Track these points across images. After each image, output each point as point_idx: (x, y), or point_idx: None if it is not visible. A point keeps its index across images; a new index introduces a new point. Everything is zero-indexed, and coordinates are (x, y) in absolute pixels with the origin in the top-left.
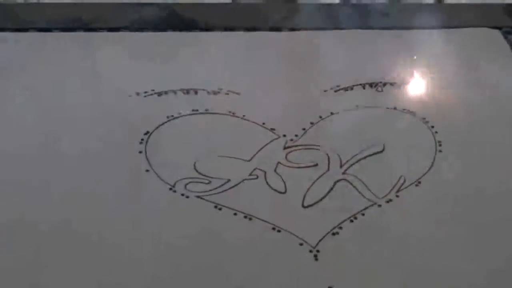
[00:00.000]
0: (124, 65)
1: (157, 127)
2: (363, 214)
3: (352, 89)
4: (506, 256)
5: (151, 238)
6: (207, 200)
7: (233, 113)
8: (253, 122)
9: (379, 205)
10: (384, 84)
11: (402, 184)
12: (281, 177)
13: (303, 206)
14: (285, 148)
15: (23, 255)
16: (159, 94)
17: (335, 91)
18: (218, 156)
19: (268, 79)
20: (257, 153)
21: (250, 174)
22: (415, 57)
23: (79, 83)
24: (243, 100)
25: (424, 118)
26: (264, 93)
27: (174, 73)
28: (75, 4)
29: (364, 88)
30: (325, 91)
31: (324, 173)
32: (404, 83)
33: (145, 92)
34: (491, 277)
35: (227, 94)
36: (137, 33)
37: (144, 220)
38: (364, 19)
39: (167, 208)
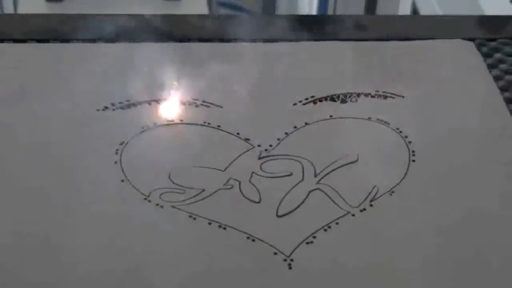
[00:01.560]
0: (99, 76)
1: (132, 138)
2: (337, 223)
3: (326, 100)
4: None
5: (127, 248)
6: (181, 210)
7: (208, 124)
8: (228, 132)
9: (353, 215)
10: (359, 95)
11: (376, 193)
12: (255, 186)
13: (278, 216)
14: (259, 158)
15: None
16: (134, 105)
17: (310, 102)
18: (193, 166)
19: (243, 90)
20: (231, 163)
21: (225, 184)
22: (390, 69)
23: (53, 94)
24: (218, 110)
25: (398, 128)
26: (239, 103)
27: (149, 84)
28: (50, 15)
29: (338, 99)
30: (300, 101)
31: (298, 183)
32: (378, 94)
33: (120, 103)
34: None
35: (202, 104)
36: (112, 44)
37: (120, 230)
38: (340, 30)
39: (142, 217)
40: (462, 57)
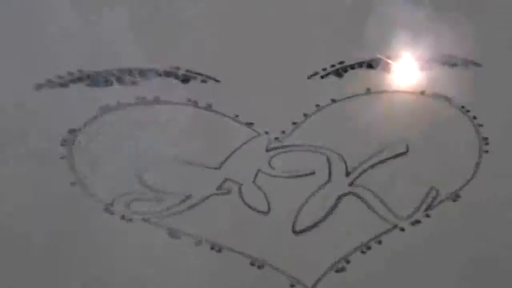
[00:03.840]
0: (36, 40)
1: (86, 123)
2: (379, 242)
3: (361, 66)
4: None
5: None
6: (158, 225)
7: (194, 102)
8: (223, 114)
9: (402, 229)
10: (407, 60)
11: (434, 198)
12: (262, 191)
13: (294, 232)
14: (268, 150)
15: None
16: (88, 76)
17: (338, 71)
18: (173, 163)
19: (244, 54)
20: (228, 157)
21: (219, 188)
22: (455, 22)
23: None
24: (210, 85)
25: (464, 107)
26: (239, 76)
27: (109, 46)
28: None
29: (378, 66)
30: (324, 70)
31: (324, 185)
32: (437, 58)
33: (69, 74)
34: None
35: (186, 75)
36: None
37: (74, 250)
38: None
39: (102, 236)
40: None
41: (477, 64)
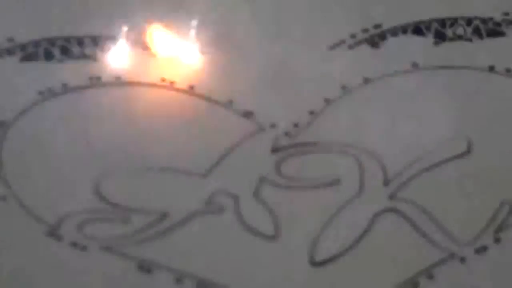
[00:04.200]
0: None
1: (19, 114)
2: (430, 277)
3: (405, 32)
4: None
5: None
6: (124, 254)
7: (170, 83)
8: (210, 99)
9: (462, 259)
10: (470, 22)
11: (507, 217)
12: (268, 207)
13: (313, 263)
14: (274, 150)
15: None
16: (22, 47)
17: (373, 38)
18: (143, 169)
19: (238, 15)
20: (219, 161)
21: (208, 203)
22: None
23: None
24: (192, 57)
25: None
26: (232, 46)
27: (50, 4)
28: None
29: (429, 31)
30: (352, 36)
31: (353, 198)
32: (507, 19)
33: None
34: None
35: (158, 44)
36: None
37: None
38: None
39: (45, 270)
40: None
41: None
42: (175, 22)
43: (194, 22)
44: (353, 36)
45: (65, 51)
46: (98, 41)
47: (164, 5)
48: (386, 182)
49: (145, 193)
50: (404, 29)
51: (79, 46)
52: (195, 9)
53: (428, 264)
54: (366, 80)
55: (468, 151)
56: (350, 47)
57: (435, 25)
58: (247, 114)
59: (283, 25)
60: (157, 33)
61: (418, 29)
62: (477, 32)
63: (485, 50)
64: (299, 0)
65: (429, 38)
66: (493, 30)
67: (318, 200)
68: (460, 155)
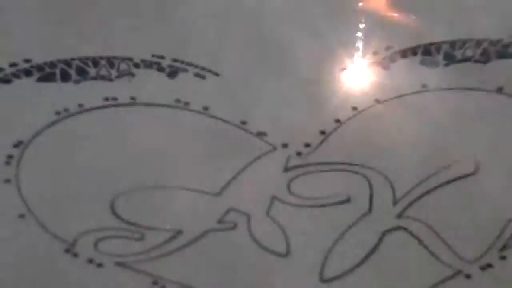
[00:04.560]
0: None
1: (37, 134)
2: None
3: (415, 53)
4: None
5: None
6: (138, 270)
7: (184, 104)
8: (224, 120)
9: (467, 276)
10: (479, 44)
11: None
12: (279, 225)
13: (323, 280)
14: (286, 169)
15: None
16: (39, 68)
17: (382, 60)
18: (157, 188)
19: (249, 41)
20: (231, 180)
21: (221, 221)
22: None
23: None
24: (204, 79)
25: None
26: (245, 68)
27: (66, 28)
28: None
29: (438, 53)
30: (363, 57)
31: (363, 217)
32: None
33: (12, 66)
34: None
35: (173, 67)
36: None
37: None
38: None
39: (63, 287)
40: None
41: None
42: (187, 44)
43: (209, 45)
44: (376, 53)
45: (81, 72)
46: (113, 63)
47: (173, 34)
48: (394, 202)
49: (159, 211)
50: (414, 51)
51: (94, 67)
52: (205, 35)
53: (436, 280)
54: (377, 101)
55: (476, 171)
56: (361, 69)
57: (444, 46)
58: (260, 134)
59: (299, 46)
60: (172, 55)
61: (426, 50)
62: (485, 54)
63: (493, 72)
64: (310, 25)
65: (439, 60)
66: (502, 52)
67: (329, 219)
68: (467, 175)
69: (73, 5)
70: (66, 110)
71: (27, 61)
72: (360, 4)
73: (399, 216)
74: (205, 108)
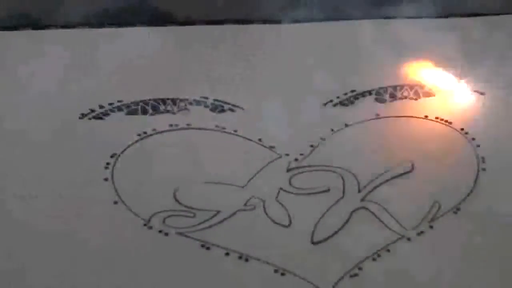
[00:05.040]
0: (82, 71)
1: (126, 148)
2: (388, 250)
3: (371, 94)
4: None
5: (127, 285)
6: (191, 238)
7: (222, 128)
8: (247, 138)
9: (409, 239)
10: (412, 88)
11: (437, 211)
12: (284, 206)
13: (313, 242)
14: (288, 170)
15: None
16: (127, 106)
17: (350, 98)
18: (204, 183)
19: (264, 86)
20: (253, 177)
21: (245, 204)
22: (454, 52)
23: (25, 96)
24: (235, 112)
25: (463, 129)
26: (259, 102)
27: (145, 78)
28: None
29: (386, 93)
30: (337, 98)
31: (338, 200)
32: (434, 86)
33: (110, 105)
34: None
35: (214, 104)
36: (96, 29)
37: (116, 265)
38: (377, 7)
39: (142, 248)
40: None
41: (480, 93)
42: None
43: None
44: (337, 97)
45: (154, 108)
46: (175, 102)
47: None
48: (359, 191)
49: (204, 198)
50: (369, 92)
51: (163, 105)
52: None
53: (387, 242)
54: (346, 125)
55: (412, 170)
56: (335, 104)
57: (390, 89)
58: (271, 147)
59: (297, 91)
60: (213, 96)
61: (378, 92)
62: (417, 94)
63: (422, 105)
64: (307, 76)
65: (386, 98)
66: (426, 92)
67: (316, 202)
68: (406, 172)
69: None
70: (145, 133)
71: (119, 101)
72: None
73: (362, 200)
74: (235, 131)
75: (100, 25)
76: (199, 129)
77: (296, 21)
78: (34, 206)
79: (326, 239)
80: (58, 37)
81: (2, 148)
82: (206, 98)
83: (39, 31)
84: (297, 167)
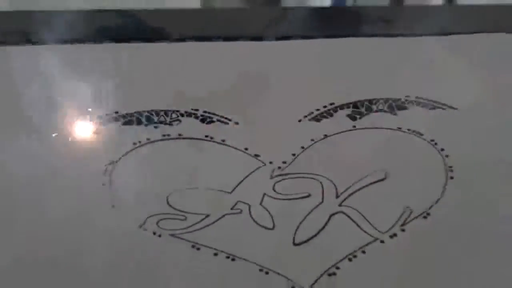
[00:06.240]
0: (79, 84)
1: (122, 156)
2: (363, 252)
3: (348, 107)
4: None
5: (120, 285)
6: (183, 239)
7: (211, 138)
8: (234, 147)
9: (382, 241)
10: (386, 101)
11: (408, 216)
12: (268, 210)
13: (294, 244)
14: (272, 177)
15: None
16: (123, 116)
17: (329, 111)
18: (194, 188)
19: (249, 98)
20: (239, 183)
21: (232, 208)
22: (423, 69)
23: (27, 104)
24: (223, 123)
25: (433, 140)
26: (246, 114)
27: (139, 92)
28: (14, 12)
29: (362, 107)
30: (317, 110)
31: (318, 205)
32: (409, 100)
33: (107, 115)
34: None
35: (203, 116)
36: (93, 45)
37: (112, 264)
38: (361, 25)
39: (137, 248)
40: (508, 54)
41: (451, 107)
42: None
43: (225, 101)
44: (317, 109)
45: (148, 119)
46: (168, 113)
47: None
48: (337, 196)
49: (195, 203)
50: (348, 105)
51: (157, 116)
52: None
53: (362, 244)
54: (325, 136)
55: (385, 178)
56: (315, 116)
57: (366, 103)
58: (256, 156)
59: (280, 104)
60: (204, 108)
61: (355, 105)
62: (391, 107)
63: (397, 118)
64: (289, 90)
65: (363, 110)
66: (400, 106)
67: (297, 207)
68: (380, 180)
69: None
70: (139, 142)
71: (116, 112)
72: None
73: (340, 205)
74: (223, 140)
75: (97, 41)
76: (190, 138)
77: (281, 38)
78: (36, 202)
79: (307, 241)
80: (55, 52)
81: None
82: (197, 110)
83: (34, 46)
84: (280, 174)
